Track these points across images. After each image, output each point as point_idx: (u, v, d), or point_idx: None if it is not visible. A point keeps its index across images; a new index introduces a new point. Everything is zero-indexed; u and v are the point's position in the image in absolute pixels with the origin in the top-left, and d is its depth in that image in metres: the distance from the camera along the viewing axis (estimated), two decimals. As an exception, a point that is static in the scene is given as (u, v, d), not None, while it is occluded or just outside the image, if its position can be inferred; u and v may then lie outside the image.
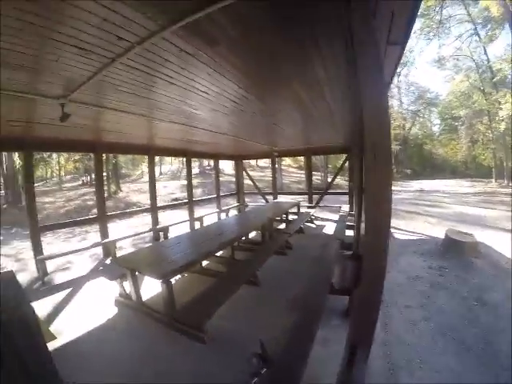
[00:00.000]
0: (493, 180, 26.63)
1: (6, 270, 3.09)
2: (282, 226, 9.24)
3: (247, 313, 3.96)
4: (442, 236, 7.77)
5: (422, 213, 12.57)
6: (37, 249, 5.63)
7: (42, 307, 4.21)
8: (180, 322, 3.56)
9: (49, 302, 4.48)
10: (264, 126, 6.20)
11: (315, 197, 11.61)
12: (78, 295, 4.77)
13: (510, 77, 24.62)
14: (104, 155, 21.62)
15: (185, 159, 10.73)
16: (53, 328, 3.67)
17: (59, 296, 4.70)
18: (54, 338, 3.42)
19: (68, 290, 4.92)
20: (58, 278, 5.58)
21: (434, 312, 4.55)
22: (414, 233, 9.19)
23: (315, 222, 10.46)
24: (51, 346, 3.14)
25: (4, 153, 19.18)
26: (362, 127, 1.37)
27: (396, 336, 3.90)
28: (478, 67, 27.66)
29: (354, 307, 1.63)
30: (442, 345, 3.80)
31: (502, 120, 22.65)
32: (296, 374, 2.00)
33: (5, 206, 18.13)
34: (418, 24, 25.52)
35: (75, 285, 5.16)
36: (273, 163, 12.77)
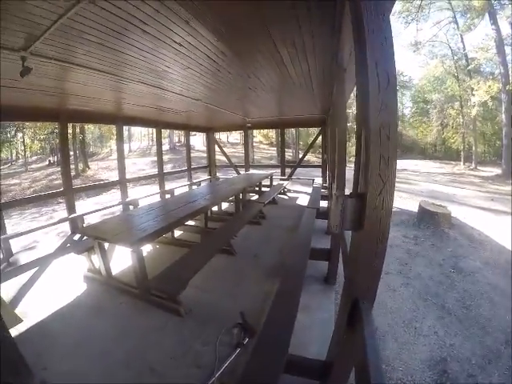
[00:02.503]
0: (461, 163, 27.45)
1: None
2: (256, 197, 9.13)
3: (225, 283, 3.84)
4: (415, 209, 8.01)
5: (394, 188, 12.83)
6: (0, 228, 5.20)
7: (7, 289, 3.89)
8: (153, 294, 3.38)
9: (14, 283, 4.14)
10: (239, 91, 5.90)
11: (288, 171, 11.70)
12: (45, 274, 4.44)
13: (484, 65, 25.46)
14: (70, 131, 20.93)
15: (154, 135, 10.34)
16: (19, 310, 3.38)
17: (25, 276, 4.36)
18: (20, 320, 3.17)
19: (34, 270, 4.58)
20: (24, 258, 5.17)
21: (413, 278, 4.63)
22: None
23: (288, 194, 10.51)
24: (17, 329, 2.94)
25: None
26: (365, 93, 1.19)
27: (378, 301, 3.89)
28: (453, 54, 28.13)
29: (353, 254, 1.49)
30: (424, 309, 3.84)
31: (474, 106, 23.35)
32: (282, 342, 1.86)
33: None
34: (397, 6, 25.44)
35: (42, 264, 4.81)
36: (245, 135, 12.62)
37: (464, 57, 26.48)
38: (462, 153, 28.62)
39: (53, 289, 3.90)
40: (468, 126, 27.60)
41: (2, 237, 5.06)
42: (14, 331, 2.84)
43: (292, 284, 2.64)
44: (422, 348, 3.20)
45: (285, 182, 10.28)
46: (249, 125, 10.66)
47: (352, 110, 28.28)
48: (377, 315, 3.63)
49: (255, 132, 36.02)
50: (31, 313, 3.34)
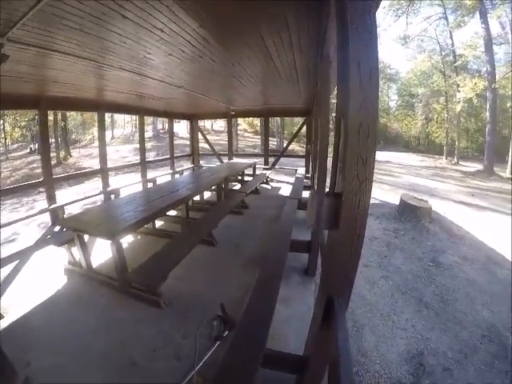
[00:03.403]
0: (443, 157, 27.98)
1: None
2: (238, 187, 9.14)
3: (205, 274, 3.83)
4: (396, 202, 8.10)
5: (376, 180, 12.90)
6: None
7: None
8: (133, 286, 3.35)
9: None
10: (223, 79, 5.80)
11: (271, 160, 11.56)
12: (26, 268, 4.35)
13: (471, 62, 25.76)
14: (52, 118, 20.42)
15: (137, 122, 10.16)
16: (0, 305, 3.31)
17: (5, 271, 4.23)
18: (1, 317, 3.12)
19: (14, 264, 4.45)
20: (3, 252, 5.02)
21: (392, 271, 4.70)
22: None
23: (271, 183, 10.55)
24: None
25: None
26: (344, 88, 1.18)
27: (357, 294, 3.96)
28: (441, 50, 28.29)
29: (328, 252, 1.49)
30: (402, 302, 3.92)
31: (459, 102, 23.59)
32: (260, 335, 1.86)
33: None
34: (388, 1, 25.40)
35: (22, 257, 4.67)
36: (229, 123, 12.37)
37: (452, 53, 26.66)
38: (444, 147, 29.11)
39: (34, 283, 3.83)
40: (452, 121, 28.07)
41: None
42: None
43: (271, 275, 2.64)
44: (400, 341, 3.27)
45: (268, 172, 10.22)
46: (232, 113, 10.48)
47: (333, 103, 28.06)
48: (356, 307, 3.69)
49: (240, 120, 35.69)
50: (12, 308, 3.28)
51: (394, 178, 14.87)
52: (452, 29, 25.13)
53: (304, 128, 11.19)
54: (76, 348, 2.62)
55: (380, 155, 25.96)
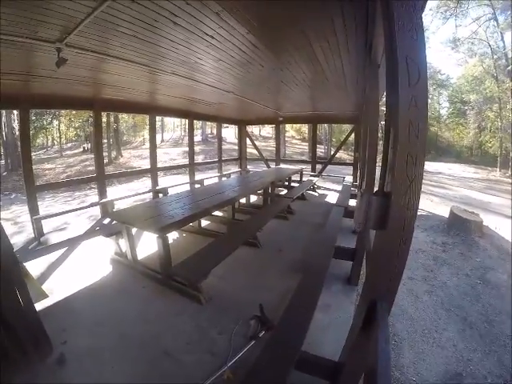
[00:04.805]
0: (497, 169, 25.90)
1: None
2: (285, 192, 9.07)
3: (247, 274, 3.85)
4: (446, 215, 7.72)
5: (425, 191, 12.44)
6: (33, 208, 5.46)
7: (36, 266, 4.09)
8: (176, 280, 3.45)
9: (43, 261, 4.35)
10: (271, 84, 5.89)
11: (319, 168, 11.49)
12: (73, 254, 4.64)
13: None
14: (105, 120, 21.54)
15: (187, 126, 10.51)
16: (45, 286, 3.54)
17: (54, 255, 4.57)
18: (45, 296, 3.31)
19: (63, 250, 4.79)
20: (54, 238, 5.41)
21: (437, 286, 4.48)
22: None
23: (318, 191, 10.34)
24: (43, 304, 3.05)
25: (3, 120, 18.96)
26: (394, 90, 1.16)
27: (398, 307, 3.81)
28: (493, 53, 26.21)
29: (374, 254, 1.46)
30: (445, 320, 3.72)
31: (513, 109, 21.78)
32: (296, 339, 1.87)
33: (5, 173, 18.10)
34: (435, 1, 24.43)
35: (71, 244, 5.03)
36: (277, 129, 12.56)
37: (504, 56, 24.85)
38: (498, 158, 27.07)
39: (80, 269, 4.07)
40: (506, 130, 25.87)
41: (34, 217, 5.34)
42: (40, 306, 2.98)
43: (313, 281, 2.63)
44: (439, 360, 3.10)
45: (315, 179, 10.08)
46: (281, 119, 10.59)
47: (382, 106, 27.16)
48: (396, 321, 3.55)
49: (287, 126, 35.72)
50: (57, 289, 3.50)
51: (444, 190, 14.16)
52: (503, 30, 23.60)
53: (352, 135, 10.97)
54: (113, 333, 2.75)
55: (431, 166, 24.96)
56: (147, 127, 27.68)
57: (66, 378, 2.24)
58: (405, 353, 3.14)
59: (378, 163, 2.19)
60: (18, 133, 18.66)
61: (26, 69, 4.07)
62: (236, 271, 3.91)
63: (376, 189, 1.40)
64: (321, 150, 29.27)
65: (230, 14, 2.72)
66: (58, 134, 31.24)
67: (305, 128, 36.26)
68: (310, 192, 9.78)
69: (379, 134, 3.50)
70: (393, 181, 1.17)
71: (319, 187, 10.83)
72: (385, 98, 1.70)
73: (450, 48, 29.22)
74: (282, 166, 11.64)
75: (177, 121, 39.56)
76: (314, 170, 11.35)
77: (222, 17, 2.76)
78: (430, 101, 39.88)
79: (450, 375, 2.93)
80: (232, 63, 4.24)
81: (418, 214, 6.96)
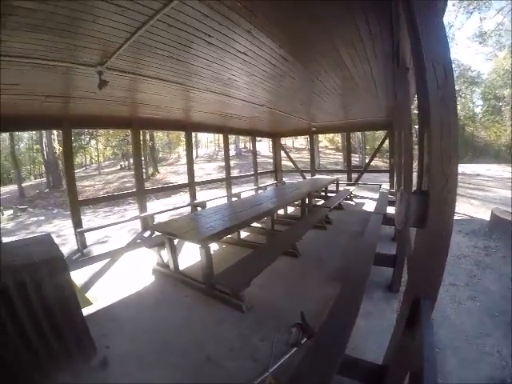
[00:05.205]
0: (539, 167, 24.45)
1: (42, 234, 3.18)
2: (321, 202, 9.03)
3: (287, 283, 3.89)
4: (487, 218, 7.39)
5: (464, 195, 11.94)
6: (76, 222, 5.81)
7: (80, 276, 4.33)
8: (218, 289, 3.54)
9: (87, 271, 4.61)
10: (303, 96, 6.01)
11: (354, 177, 11.40)
12: (116, 265, 4.88)
13: None
14: (141, 138, 22.15)
15: (221, 141, 10.79)
16: (89, 295, 3.75)
17: (97, 266, 4.84)
18: (89, 303, 3.50)
19: (106, 261, 5.05)
20: (97, 250, 5.73)
21: (481, 292, 4.30)
22: (457, 213, 8.76)
23: (354, 199, 10.23)
24: (87, 311, 3.19)
25: (44, 140, 20.12)
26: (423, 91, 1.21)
27: (441, 313, 3.70)
28: None
29: (415, 251, 1.48)
30: (489, 326, 3.57)
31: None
32: (338, 345, 1.87)
33: (47, 190, 19.37)
34: (456, -1, 23.58)
35: (113, 256, 5.30)
36: (311, 140, 12.51)
37: None
38: (539, 156, 25.56)
39: (122, 279, 4.28)
40: None
41: (78, 230, 5.67)
42: (84, 312, 3.12)
43: (354, 289, 2.63)
44: (482, 366, 2.97)
45: (351, 188, 10.02)
46: (314, 129, 10.61)
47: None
48: (439, 327, 3.45)
49: (320, 137, 35.56)
50: (100, 298, 3.70)
51: (484, 192, 13.50)
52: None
53: (386, 142, 10.85)
54: (155, 340, 2.86)
55: (469, 168, 23.92)
56: (182, 144, 28.46)
57: (108, 380, 2.37)
58: (447, 359, 3.04)
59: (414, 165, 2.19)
60: (58, 152, 19.89)
61: (68, 91, 4.40)
62: (276, 280, 3.95)
63: (414, 188, 1.43)
64: (355, 159, 28.81)
65: (260, 31, 2.85)
66: (96, 153, 32.76)
67: (338, 138, 35.96)
68: (347, 201, 9.71)
69: (413, 138, 3.48)
70: (429, 179, 1.21)
71: (356, 196, 10.72)
72: (416, 101, 1.73)
73: (477, 43, 27.89)
74: (318, 176, 11.59)
75: (210, 137, 40.40)
76: (349, 179, 11.28)
77: (254, 34, 2.90)
78: (463, 100, 38.30)
79: (494, 382, 2.81)
80: (264, 77, 4.39)
81: (459, 218, 6.79)
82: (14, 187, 22.08)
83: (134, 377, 2.40)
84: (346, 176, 11.46)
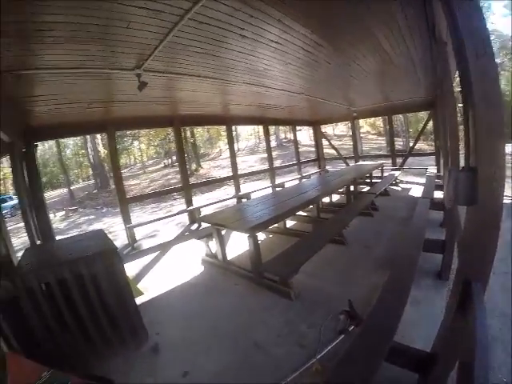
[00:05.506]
0: None
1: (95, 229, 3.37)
2: (366, 189, 8.79)
3: (334, 271, 3.85)
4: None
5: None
6: (126, 218, 6.13)
7: (131, 268, 4.56)
8: (266, 277, 3.58)
9: (138, 264, 4.86)
10: (340, 80, 5.88)
11: (398, 161, 10.92)
12: (165, 257, 5.10)
13: None
14: (182, 135, 22.61)
15: (261, 133, 10.84)
16: (140, 285, 3.98)
17: (147, 259, 5.08)
18: (141, 293, 3.71)
19: (155, 254, 5.29)
20: (146, 244, 6.04)
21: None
22: (507, 196, 8.21)
23: (400, 185, 9.81)
24: (138, 300, 3.30)
25: (89, 145, 21.42)
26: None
27: (492, 303, 3.48)
28: None
29: (465, 231, 1.42)
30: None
31: None
32: (386, 334, 1.82)
33: (95, 191, 20.76)
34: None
35: (162, 248, 5.53)
36: (352, 125, 12.14)
37: None
38: None
39: (172, 270, 4.47)
40: None
41: (128, 226, 6.01)
42: (136, 301, 3.31)
43: (402, 275, 2.56)
44: None
45: (396, 173, 9.62)
46: (354, 114, 10.30)
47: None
48: (489, 317, 3.25)
49: (361, 122, 34.37)
50: (151, 288, 3.89)
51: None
52: None
53: (430, 123, 10.29)
54: (205, 326, 2.97)
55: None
56: (222, 138, 28.72)
57: (159, 365, 2.50)
58: (496, 352, 2.87)
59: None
60: (103, 155, 21.01)
61: (109, 96, 4.64)
62: (324, 268, 3.92)
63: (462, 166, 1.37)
64: (398, 143, 27.53)
65: (291, 19, 2.82)
66: (139, 153, 33.98)
67: (379, 122, 34.59)
68: (393, 187, 9.33)
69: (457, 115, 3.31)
70: (477, 155, 1.16)
71: (401, 181, 10.27)
72: (457, 76, 1.67)
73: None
74: (361, 162, 11.27)
75: (250, 129, 40.41)
76: (394, 164, 10.85)
77: (284, 22, 2.88)
78: (506, 73, 35.32)
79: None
80: (299, 65, 4.34)
81: (509, 201, 6.26)
82: (63, 190, 23.87)
83: (184, 362, 2.51)
84: (389, 161, 11.05)
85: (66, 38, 2.58)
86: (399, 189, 9.31)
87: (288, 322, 2.89)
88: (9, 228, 4.16)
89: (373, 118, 31.89)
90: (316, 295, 3.30)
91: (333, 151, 12.91)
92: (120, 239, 6.72)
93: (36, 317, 2.30)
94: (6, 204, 14.62)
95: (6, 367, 1.78)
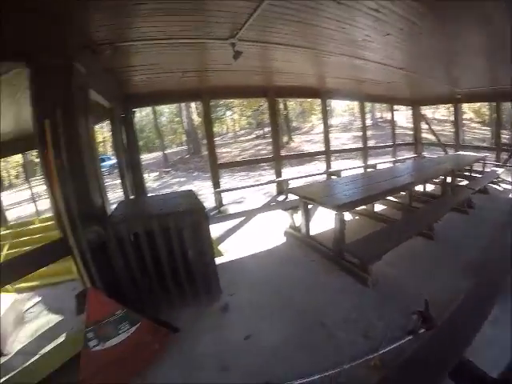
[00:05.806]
0: None
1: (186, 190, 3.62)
2: (463, 183, 7.76)
3: (417, 266, 3.56)
4: None
5: None
6: (215, 183, 6.53)
7: (215, 230, 4.75)
8: (345, 258, 3.50)
9: (222, 226, 5.14)
10: (445, 56, 5.20)
11: (503, 157, 9.34)
12: (249, 224, 5.31)
13: None
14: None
15: (356, 110, 10.35)
16: (222, 247, 4.24)
17: (232, 223, 5.35)
18: (221, 254, 3.97)
19: (240, 219, 5.53)
20: (232, 209, 6.35)
21: None
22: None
23: (501, 184, 8.26)
24: (217, 260, 3.35)
25: (184, 113, 23.17)
26: None
27: None
28: None
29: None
30: None
31: None
32: (458, 347, 1.68)
33: (187, 156, 22.44)
34: None
35: (247, 215, 5.75)
36: (455, 110, 10.69)
37: None
38: None
39: (253, 236, 4.65)
40: None
41: (216, 190, 6.44)
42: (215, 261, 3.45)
43: (490, 287, 2.32)
44: None
45: (499, 170, 8.21)
46: (458, 96, 9.12)
47: None
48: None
49: (465, 107, 30.50)
50: (231, 251, 4.13)
51: None
52: None
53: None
54: (276, 295, 3.06)
55: None
56: (315, 112, 28.00)
57: (225, 325, 2.66)
58: None
59: None
60: (196, 123, 22.22)
61: (204, 65, 4.83)
62: (406, 260, 3.66)
63: None
64: (505, 136, 23.86)
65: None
66: (232, 123, 35.09)
67: (485, 109, 30.18)
68: (493, 185, 8.00)
69: None
70: None
71: (503, 180, 8.88)
72: None
73: None
74: (461, 152, 9.93)
75: (344, 105, 38.75)
76: (498, 158, 9.33)
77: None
78: None
79: None
80: (401, 36, 3.95)
81: None
82: (158, 154, 25.75)
83: (249, 325, 2.63)
84: (494, 155, 9.55)
85: (163, 10, 2.69)
86: (501, 188, 7.92)
87: (358, 309, 2.80)
88: (106, 184, 4.66)
89: (478, 104, 27.73)
90: (393, 287, 3.13)
91: (431, 136, 11.80)
92: (208, 202, 7.00)
93: (121, 262, 2.60)
94: (104, 163, 16.10)
95: (86, 300, 2.07)
